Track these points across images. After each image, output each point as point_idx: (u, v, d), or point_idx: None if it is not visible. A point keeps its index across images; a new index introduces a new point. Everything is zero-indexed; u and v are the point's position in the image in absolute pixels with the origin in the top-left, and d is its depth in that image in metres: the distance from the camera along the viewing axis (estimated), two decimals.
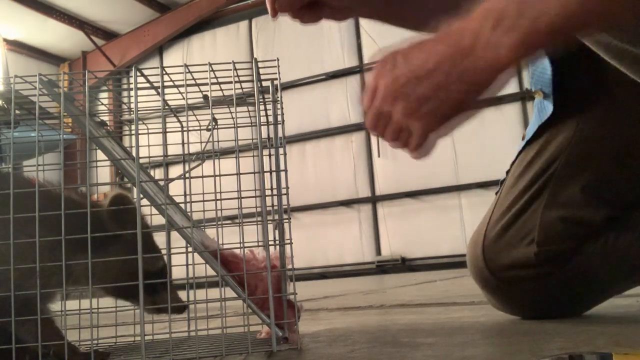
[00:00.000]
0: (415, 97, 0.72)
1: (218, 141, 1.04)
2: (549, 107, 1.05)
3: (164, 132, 0.96)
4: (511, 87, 7.66)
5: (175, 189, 1.01)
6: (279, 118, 0.99)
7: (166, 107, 0.99)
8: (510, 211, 1.08)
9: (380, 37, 6.81)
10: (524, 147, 1.11)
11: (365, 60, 8.05)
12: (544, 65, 1.06)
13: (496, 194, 1.16)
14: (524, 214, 1.06)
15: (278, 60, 0.99)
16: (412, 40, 0.74)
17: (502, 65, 0.69)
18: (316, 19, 0.99)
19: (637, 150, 1.00)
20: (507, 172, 1.15)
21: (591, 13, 0.65)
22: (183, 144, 1.05)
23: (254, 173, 0.95)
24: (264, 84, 1.00)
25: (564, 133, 1.04)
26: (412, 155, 0.79)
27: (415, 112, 0.74)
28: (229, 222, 0.95)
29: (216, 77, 0.93)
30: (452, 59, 0.70)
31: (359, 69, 8.14)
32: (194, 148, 1.06)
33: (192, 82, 0.93)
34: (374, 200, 8.55)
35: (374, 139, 8.49)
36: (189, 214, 0.92)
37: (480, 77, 0.70)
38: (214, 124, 1.01)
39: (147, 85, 0.93)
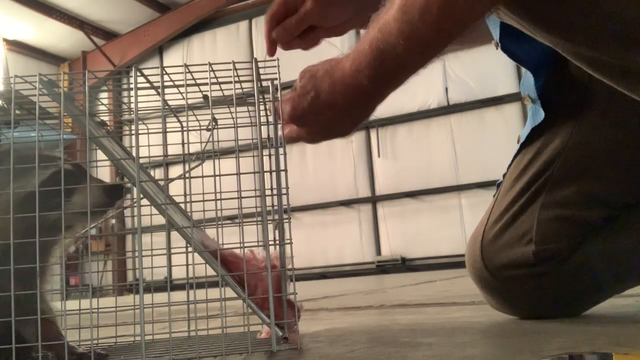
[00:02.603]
0: (332, 129, 0.97)
1: (218, 141, 1.04)
2: (541, 112, 1.07)
3: (164, 132, 0.96)
4: (511, 87, 7.66)
5: (175, 189, 1.01)
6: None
7: (166, 107, 0.99)
8: (508, 212, 1.08)
9: None
10: (520, 150, 1.12)
11: None
12: (529, 74, 1.08)
13: (494, 196, 1.17)
14: (522, 215, 1.06)
15: (278, 60, 0.99)
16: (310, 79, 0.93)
17: (379, 98, 0.90)
18: (315, 42, 1.11)
19: (632, 153, 1.01)
20: (504, 175, 1.16)
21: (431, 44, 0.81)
22: (183, 144, 1.05)
23: (254, 173, 0.95)
24: (264, 84, 1.00)
25: (560, 137, 1.05)
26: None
27: (331, 135, 0.98)
28: (229, 222, 0.95)
29: (216, 77, 0.93)
30: (348, 98, 0.90)
31: None
32: (194, 148, 1.05)
33: (192, 82, 0.93)
34: (374, 200, 8.56)
35: (374, 139, 8.50)
36: (189, 214, 0.92)
37: (365, 108, 0.92)
38: (214, 124, 1.01)
39: (147, 85, 0.93)
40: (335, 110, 0.91)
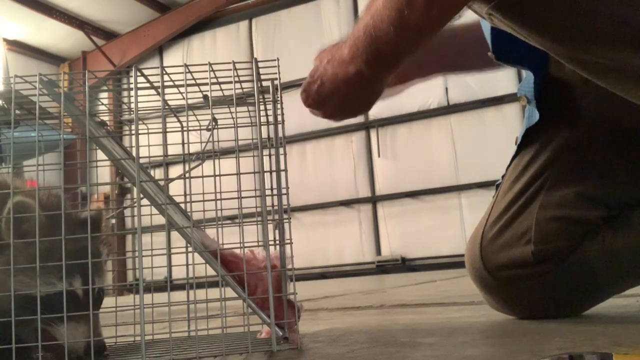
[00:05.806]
0: (338, 111, 1.02)
1: (218, 141, 1.04)
2: (536, 114, 1.07)
3: (164, 132, 0.96)
4: (511, 87, 7.66)
5: (175, 189, 1.01)
6: (279, 118, 0.99)
7: (166, 107, 0.99)
8: (507, 213, 1.09)
9: None
10: (517, 152, 1.13)
11: None
12: (530, 74, 1.09)
13: (493, 197, 1.17)
14: (521, 215, 1.07)
15: (278, 60, 0.99)
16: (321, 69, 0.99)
17: (380, 80, 0.93)
18: None
19: (629, 155, 1.01)
20: (503, 177, 1.16)
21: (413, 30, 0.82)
22: (183, 144, 1.05)
23: (254, 173, 0.95)
24: (264, 84, 1.00)
25: (557, 139, 1.05)
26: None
27: (337, 116, 1.05)
28: (229, 222, 0.95)
29: (216, 77, 0.93)
30: (350, 84, 0.94)
31: None
32: (194, 148, 1.05)
33: (192, 82, 0.93)
34: (374, 200, 8.55)
35: (374, 139, 8.50)
36: (189, 214, 0.92)
37: (369, 89, 0.96)
38: (214, 124, 1.01)
39: (147, 85, 0.93)
40: (340, 95, 0.96)
